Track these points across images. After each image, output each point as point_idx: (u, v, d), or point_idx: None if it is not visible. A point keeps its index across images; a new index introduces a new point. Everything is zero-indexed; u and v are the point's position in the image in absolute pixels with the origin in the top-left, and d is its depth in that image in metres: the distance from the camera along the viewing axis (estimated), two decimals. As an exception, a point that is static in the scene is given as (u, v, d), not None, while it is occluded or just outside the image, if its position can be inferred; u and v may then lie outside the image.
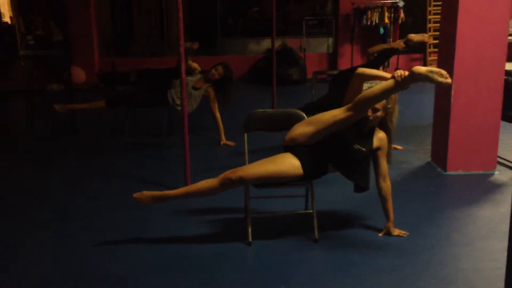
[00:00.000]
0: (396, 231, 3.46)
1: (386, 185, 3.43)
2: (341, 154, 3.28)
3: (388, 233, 3.46)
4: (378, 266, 3.08)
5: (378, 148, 3.37)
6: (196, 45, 5.73)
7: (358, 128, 3.32)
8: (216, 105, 5.88)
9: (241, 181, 3.17)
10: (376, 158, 3.40)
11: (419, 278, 2.94)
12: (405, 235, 3.45)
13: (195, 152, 5.17)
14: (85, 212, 3.98)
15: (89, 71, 10.79)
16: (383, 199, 3.46)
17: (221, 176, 3.20)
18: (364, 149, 3.27)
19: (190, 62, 5.97)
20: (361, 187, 3.41)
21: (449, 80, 2.87)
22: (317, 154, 3.27)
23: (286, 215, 3.85)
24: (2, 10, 15.30)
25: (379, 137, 3.36)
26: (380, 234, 3.46)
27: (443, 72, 2.87)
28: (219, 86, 5.87)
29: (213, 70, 5.84)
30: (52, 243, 3.45)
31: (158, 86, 5.95)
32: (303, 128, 3.32)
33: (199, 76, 6.00)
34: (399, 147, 5.55)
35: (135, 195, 3.28)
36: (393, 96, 3.31)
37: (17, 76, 12.17)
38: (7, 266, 3.15)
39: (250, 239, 3.36)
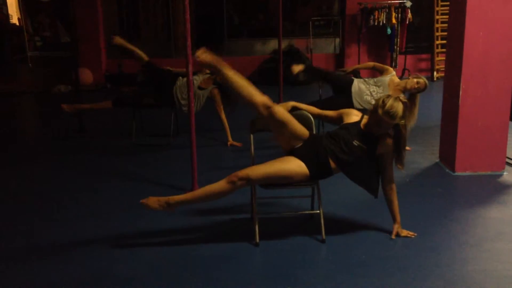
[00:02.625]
0: (404, 232, 3.47)
1: (391, 188, 3.43)
2: (342, 150, 3.27)
3: (397, 235, 3.45)
4: (386, 267, 3.07)
5: (384, 153, 3.35)
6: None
7: (360, 128, 3.34)
8: (222, 107, 5.87)
9: (249, 180, 3.16)
10: (382, 162, 3.39)
11: (427, 279, 2.93)
12: (413, 236, 3.44)
13: (202, 152, 5.17)
14: (92, 213, 3.99)
15: (96, 72, 10.82)
16: (389, 202, 3.47)
17: (228, 176, 3.19)
18: (364, 146, 3.27)
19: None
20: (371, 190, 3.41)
21: (202, 57, 3.24)
22: (319, 152, 3.26)
23: (293, 216, 3.85)
24: (10, 12, 15.39)
25: (386, 142, 3.34)
26: (392, 237, 3.43)
27: (199, 52, 3.25)
28: (226, 89, 5.83)
29: None
30: (57, 244, 3.46)
31: (163, 86, 5.93)
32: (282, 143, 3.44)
33: (206, 76, 5.98)
34: (407, 147, 5.52)
35: (141, 201, 3.28)
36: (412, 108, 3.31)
37: (24, 77, 12.23)
38: (11, 269, 3.16)
39: (257, 240, 3.36)
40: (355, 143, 3.28)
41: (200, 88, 5.84)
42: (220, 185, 3.20)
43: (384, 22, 10.34)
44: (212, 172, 4.73)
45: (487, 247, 3.35)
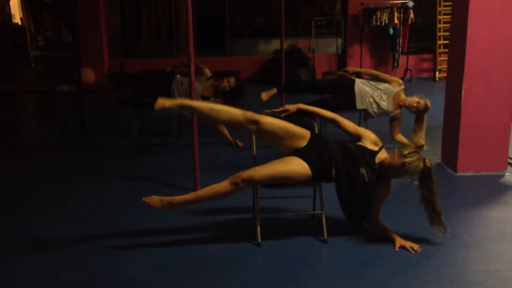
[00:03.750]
0: (408, 243, 3.32)
1: (376, 223, 3.44)
2: (347, 168, 3.27)
3: (402, 247, 3.34)
4: (388, 268, 3.07)
5: (380, 193, 3.35)
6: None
7: (374, 160, 3.31)
8: None
9: (251, 181, 3.17)
10: (375, 199, 3.37)
11: (430, 280, 2.92)
12: (418, 250, 3.30)
13: (204, 152, 5.17)
14: (93, 212, 3.99)
15: (98, 72, 10.84)
16: (377, 231, 3.45)
17: (231, 177, 3.20)
18: (367, 178, 3.25)
19: (204, 68, 5.98)
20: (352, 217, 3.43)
21: (162, 105, 3.20)
22: (323, 155, 3.26)
23: (294, 216, 3.85)
24: (12, 11, 15.41)
25: (387, 184, 3.35)
26: (396, 249, 3.32)
27: (157, 103, 3.20)
28: (228, 98, 5.71)
29: (225, 81, 5.66)
30: (59, 244, 3.47)
31: (164, 86, 5.91)
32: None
33: (207, 83, 5.92)
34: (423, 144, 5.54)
35: (144, 198, 3.27)
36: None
37: (27, 77, 12.25)
38: (13, 268, 3.17)
39: (259, 240, 3.36)
40: (362, 171, 3.25)
41: (203, 97, 5.76)
42: (223, 186, 3.20)
43: (386, 22, 10.34)
44: (214, 172, 4.73)
45: (489, 247, 3.34)
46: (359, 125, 5.87)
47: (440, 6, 10.60)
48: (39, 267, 3.15)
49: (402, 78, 10.73)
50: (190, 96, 4.26)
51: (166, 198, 3.27)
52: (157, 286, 2.91)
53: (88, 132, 6.64)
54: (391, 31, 10.38)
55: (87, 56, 10.75)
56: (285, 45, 7.93)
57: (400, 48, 10.55)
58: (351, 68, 6.28)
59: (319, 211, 3.48)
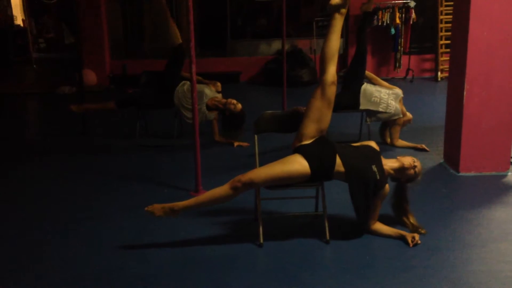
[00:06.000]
0: (417, 236, 3.37)
1: (374, 223, 3.49)
2: (358, 163, 3.28)
3: (413, 239, 3.35)
4: (391, 268, 3.07)
5: (383, 195, 3.41)
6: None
7: (380, 162, 3.37)
8: (217, 134, 5.97)
9: (252, 184, 3.19)
10: (377, 200, 3.41)
11: (432, 280, 2.92)
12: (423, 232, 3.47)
13: (206, 153, 5.17)
14: (95, 213, 4.00)
15: (100, 74, 10.85)
16: (378, 232, 3.49)
17: (231, 181, 3.21)
18: (378, 176, 3.28)
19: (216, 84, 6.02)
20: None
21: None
22: (325, 155, 3.26)
23: (297, 216, 3.85)
24: (14, 13, 15.44)
25: (387, 188, 3.41)
26: (410, 246, 3.32)
27: None
28: (226, 122, 5.77)
29: (233, 101, 5.65)
30: (64, 244, 3.48)
31: (167, 87, 5.91)
32: (302, 124, 3.37)
33: (217, 94, 5.91)
34: (424, 147, 5.55)
35: (146, 208, 3.28)
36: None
37: (29, 78, 12.27)
38: (27, 268, 3.18)
39: (262, 241, 3.36)
40: (374, 168, 3.29)
41: (208, 107, 5.76)
42: (224, 190, 3.22)
43: (388, 22, 10.33)
44: (216, 173, 4.73)
45: (491, 247, 3.34)
46: (361, 127, 5.93)
47: (441, 6, 10.58)
48: (43, 265, 3.15)
49: (404, 78, 10.73)
50: (192, 95, 4.27)
51: (168, 205, 3.29)
52: (159, 286, 2.91)
53: (89, 133, 6.65)
54: (392, 31, 10.37)
55: (89, 57, 10.76)
56: (286, 46, 7.93)
57: (402, 48, 10.54)
58: None
59: (322, 212, 3.48)
